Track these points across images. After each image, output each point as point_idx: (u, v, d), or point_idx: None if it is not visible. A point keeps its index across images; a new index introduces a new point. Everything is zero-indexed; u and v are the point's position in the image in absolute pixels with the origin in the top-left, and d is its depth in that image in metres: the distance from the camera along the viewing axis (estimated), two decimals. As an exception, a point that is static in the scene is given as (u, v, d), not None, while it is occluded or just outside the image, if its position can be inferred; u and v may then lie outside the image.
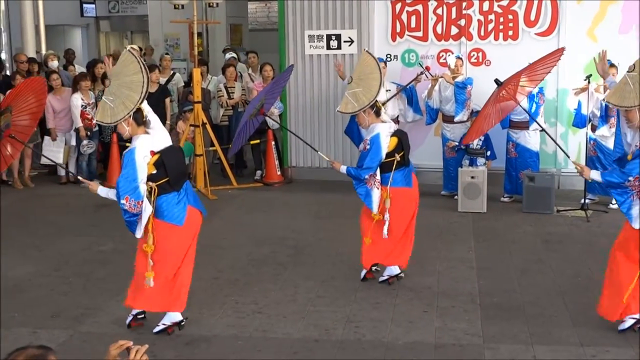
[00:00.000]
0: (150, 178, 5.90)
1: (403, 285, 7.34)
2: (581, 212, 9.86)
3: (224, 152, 12.13)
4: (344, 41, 11.93)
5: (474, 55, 11.50)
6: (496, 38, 11.46)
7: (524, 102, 10.20)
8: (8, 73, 14.59)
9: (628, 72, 6.07)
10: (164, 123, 12.01)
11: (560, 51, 7.17)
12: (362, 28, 11.86)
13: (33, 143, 11.93)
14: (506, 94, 7.23)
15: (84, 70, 13.97)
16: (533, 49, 10.82)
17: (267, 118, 11.84)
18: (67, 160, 12.12)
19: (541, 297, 6.97)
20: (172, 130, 12.37)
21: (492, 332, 6.20)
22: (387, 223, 7.16)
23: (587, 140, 10.20)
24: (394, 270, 7.38)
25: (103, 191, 6.08)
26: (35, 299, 7.06)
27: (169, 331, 6.19)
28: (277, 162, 12.22)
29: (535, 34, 11.30)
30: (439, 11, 11.60)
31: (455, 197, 10.41)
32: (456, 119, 10.70)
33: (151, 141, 5.98)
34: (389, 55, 11.75)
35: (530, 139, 10.43)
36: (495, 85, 8.20)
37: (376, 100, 7.11)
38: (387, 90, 10.97)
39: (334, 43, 11.93)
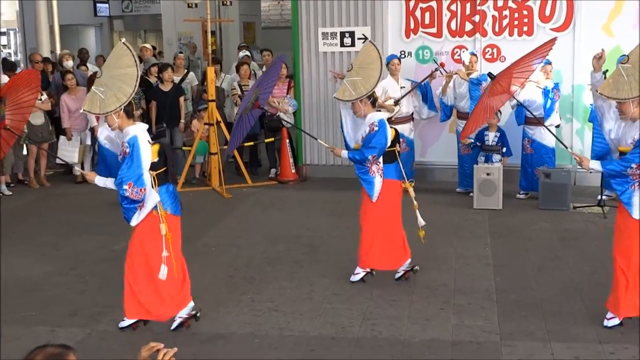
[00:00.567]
0: (151, 166, 5.97)
1: (419, 282, 7.32)
2: (598, 208, 9.81)
3: (238, 150, 12.13)
4: (358, 38, 11.91)
5: (488, 51, 11.46)
6: (511, 34, 11.41)
7: (540, 98, 10.19)
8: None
9: (622, 63, 5.95)
10: (178, 122, 12.22)
11: (552, 42, 7.16)
12: (375, 25, 11.84)
13: (48, 142, 11.99)
14: (500, 87, 7.25)
15: (98, 69, 14.00)
16: (548, 44, 10.75)
17: (280, 115, 11.89)
18: (83, 160, 12.17)
19: (558, 294, 6.94)
20: (187, 129, 12.40)
21: (509, 329, 6.18)
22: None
23: (602, 136, 10.13)
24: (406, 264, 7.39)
25: (100, 180, 6.09)
26: (53, 298, 7.09)
27: (185, 325, 6.22)
28: (291, 160, 12.21)
29: (551, 29, 11.24)
30: (453, 7, 11.57)
31: (471, 194, 10.37)
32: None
33: (144, 131, 6.04)
34: (402, 52, 11.72)
35: (546, 135, 10.36)
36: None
37: (374, 91, 7.13)
38: (401, 87, 10.97)
39: (347, 40, 11.92)
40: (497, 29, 11.45)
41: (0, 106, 6.75)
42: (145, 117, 12.23)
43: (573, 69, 11.04)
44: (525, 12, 11.31)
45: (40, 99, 11.77)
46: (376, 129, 7.00)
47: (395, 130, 7.35)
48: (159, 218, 6.00)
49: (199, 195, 11.32)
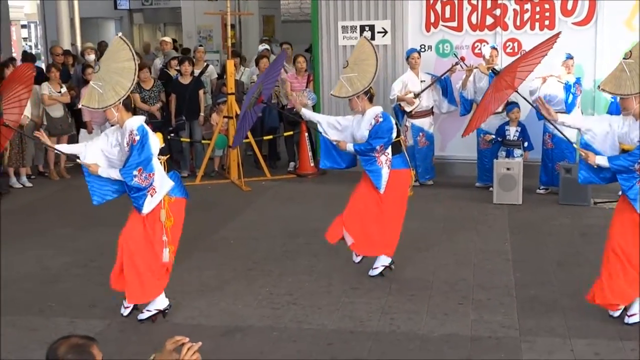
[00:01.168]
0: (160, 152, 6.05)
1: (438, 277, 7.30)
2: (619, 204, 9.71)
3: (257, 143, 12.15)
4: (378, 32, 11.87)
5: (509, 45, 11.38)
6: (532, 28, 11.32)
7: (561, 93, 10.12)
8: (42, 66, 14.73)
9: (624, 59, 5.88)
10: (197, 115, 12.23)
11: (556, 37, 7.15)
12: (395, 18, 11.79)
13: (68, 135, 12.03)
14: (504, 82, 7.25)
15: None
16: (570, 38, 10.66)
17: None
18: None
19: (578, 290, 6.86)
20: (206, 122, 12.41)
21: (528, 325, 6.14)
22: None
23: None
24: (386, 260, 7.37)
25: (104, 172, 6.15)
26: (72, 289, 7.14)
27: (153, 319, 6.27)
28: (310, 154, 12.19)
29: (572, 23, 11.15)
30: (474, 1, 11.49)
31: (490, 188, 10.32)
32: (491, 110, 10.62)
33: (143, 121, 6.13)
34: (423, 46, 11.67)
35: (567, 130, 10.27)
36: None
37: (370, 87, 7.12)
38: (421, 81, 10.94)
39: (367, 34, 11.87)
40: (518, 23, 11.37)
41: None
42: (164, 110, 12.26)
43: (595, 64, 10.94)
44: (546, 6, 11.22)
45: (60, 92, 11.84)
46: (381, 119, 7.03)
47: (396, 123, 7.36)
48: (161, 204, 6.06)
49: (217, 188, 11.34)
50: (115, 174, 6.01)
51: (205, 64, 13.63)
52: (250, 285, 7.15)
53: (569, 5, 11.14)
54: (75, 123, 12.41)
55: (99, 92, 5.98)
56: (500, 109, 10.52)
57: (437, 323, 6.21)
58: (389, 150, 7.09)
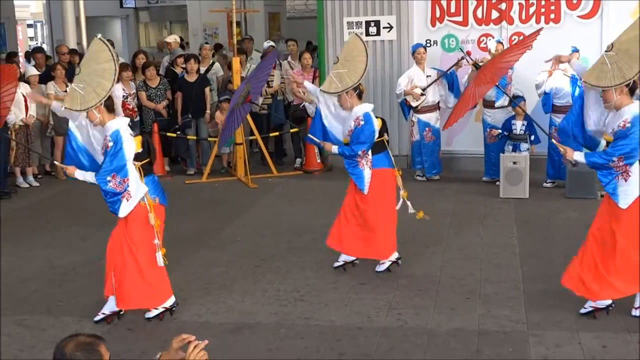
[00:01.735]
0: (135, 157, 6.03)
1: (445, 272, 7.30)
2: (626, 197, 9.69)
3: (263, 140, 12.15)
4: (383, 27, 11.86)
5: (515, 39, 11.33)
6: (537, 21, 11.29)
7: (567, 86, 10.08)
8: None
9: (606, 51, 5.93)
10: (204, 112, 12.23)
11: (536, 33, 7.18)
12: (401, 14, 11.78)
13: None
14: (484, 77, 7.27)
15: (124, 61, 14.07)
16: (575, 32, 10.67)
17: (306, 105, 11.88)
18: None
19: (586, 284, 6.87)
20: (212, 120, 12.42)
21: (536, 318, 6.14)
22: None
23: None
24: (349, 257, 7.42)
25: (80, 174, 6.13)
26: (81, 288, 7.15)
27: (107, 321, 6.29)
28: (317, 150, 12.18)
29: (578, 16, 11.12)
30: (479, -5, 11.48)
31: (497, 183, 10.30)
32: (497, 104, 10.62)
33: (126, 124, 6.10)
34: (428, 41, 11.66)
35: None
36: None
37: (360, 84, 7.11)
38: (427, 76, 10.92)
39: (373, 29, 11.87)
40: (523, 17, 11.34)
41: None
42: (170, 108, 12.28)
43: (601, 57, 10.91)
44: (552, 0, 11.19)
45: (66, 90, 11.85)
46: (362, 123, 6.99)
47: (382, 120, 7.34)
48: (146, 208, 6.07)
49: (224, 186, 11.36)
50: (91, 178, 6.01)
51: (212, 61, 13.63)
52: (258, 282, 7.16)
53: (575, -1, 11.11)
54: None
55: (81, 94, 6.02)
56: (506, 103, 10.51)
57: (444, 318, 6.21)
58: (370, 151, 7.11)
